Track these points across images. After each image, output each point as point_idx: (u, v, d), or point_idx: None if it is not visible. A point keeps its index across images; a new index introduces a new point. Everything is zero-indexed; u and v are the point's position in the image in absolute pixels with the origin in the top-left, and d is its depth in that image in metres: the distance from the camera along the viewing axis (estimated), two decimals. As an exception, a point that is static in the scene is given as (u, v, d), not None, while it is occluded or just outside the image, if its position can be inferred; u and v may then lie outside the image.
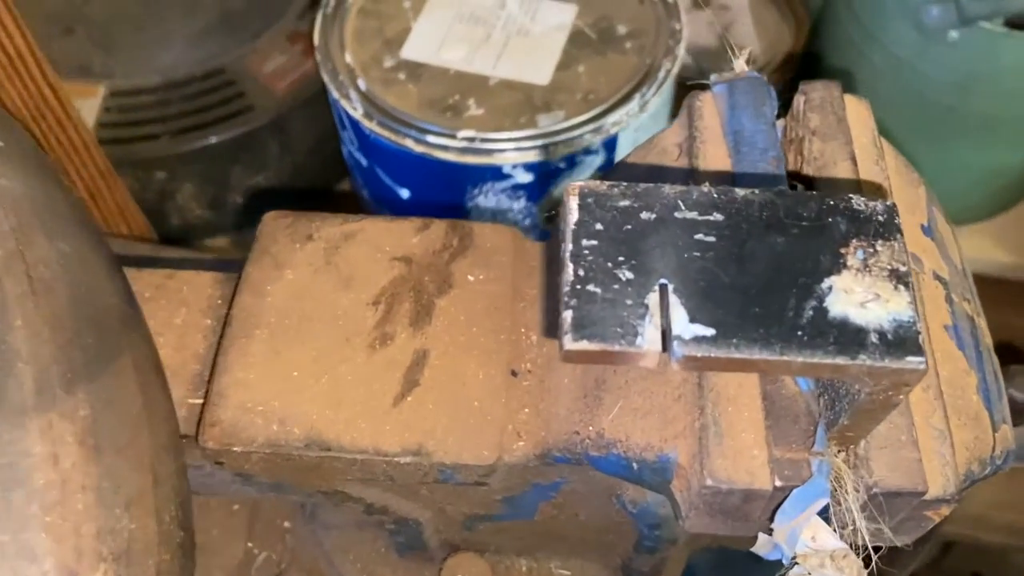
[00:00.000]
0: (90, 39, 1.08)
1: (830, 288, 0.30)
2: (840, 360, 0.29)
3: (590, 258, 0.30)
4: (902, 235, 0.31)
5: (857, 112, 0.43)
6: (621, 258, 0.30)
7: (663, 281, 0.30)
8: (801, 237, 0.31)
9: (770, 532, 0.35)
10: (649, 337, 0.29)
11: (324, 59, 0.77)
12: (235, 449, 0.43)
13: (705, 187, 0.32)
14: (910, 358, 0.29)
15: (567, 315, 0.29)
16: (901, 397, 0.31)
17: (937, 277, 0.40)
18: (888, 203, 0.31)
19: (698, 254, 0.30)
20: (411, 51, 0.78)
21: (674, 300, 0.30)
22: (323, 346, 0.45)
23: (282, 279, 0.47)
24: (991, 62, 0.78)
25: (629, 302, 0.30)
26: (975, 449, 0.37)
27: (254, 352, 0.45)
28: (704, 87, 0.44)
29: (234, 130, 1.01)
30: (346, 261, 0.48)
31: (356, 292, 0.47)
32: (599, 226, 0.31)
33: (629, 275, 0.30)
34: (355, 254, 0.48)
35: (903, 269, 0.30)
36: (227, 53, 1.06)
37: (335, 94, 0.75)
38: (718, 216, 0.31)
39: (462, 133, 0.71)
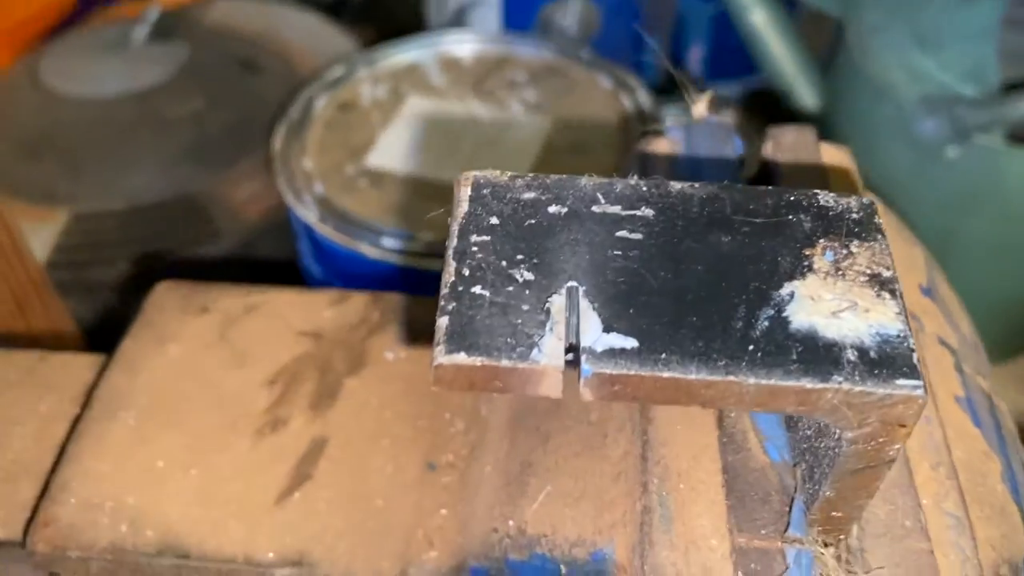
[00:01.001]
0: (58, 164, 1.05)
1: (791, 295, 0.23)
2: (807, 383, 0.21)
3: (480, 255, 0.23)
4: (884, 237, 0.24)
5: (837, 160, 0.37)
6: (520, 256, 0.23)
7: (572, 284, 0.23)
8: (753, 236, 0.24)
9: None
10: (549, 350, 0.22)
11: (282, 166, 0.72)
12: (71, 554, 0.34)
13: (632, 179, 0.25)
14: (902, 380, 0.21)
15: (442, 322, 0.22)
16: (896, 448, 0.22)
17: (943, 342, 0.33)
18: (866, 200, 0.24)
19: (619, 252, 0.23)
20: (376, 159, 0.74)
21: (585, 305, 0.22)
22: (200, 431, 0.37)
23: (164, 355, 0.40)
24: (994, 181, 0.73)
25: (526, 307, 0.22)
26: (1003, 549, 0.28)
27: (114, 438, 0.37)
28: (658, 133, 0.38)
29: (197, 256, 0.96)
30: (244, 336, 0.41)
31: (250, 370, 0.39)
32: (495, 220, 0.24)
33: (528, 275, 0.23)
34: (255, 328, 0.41)
35: (887, 274, 0.23)
36: (200, 179, 1.03)
37: (290, 200, 0.70)
38: (647, 211, 0.24)
39: (423, 235, 0.66)
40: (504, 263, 0.23)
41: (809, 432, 0.25)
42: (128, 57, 1.13)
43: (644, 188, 0.25)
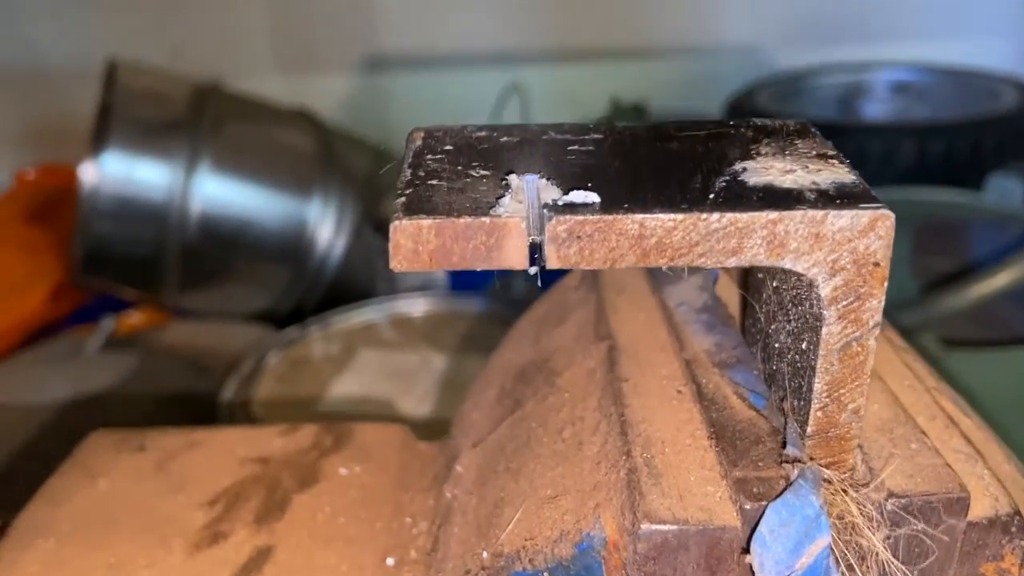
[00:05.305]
0: (-9, 469, 1.00)
1: (743, 168, 0.23)
2: (773, 214, 0.21)
3: (434, 166, 0.24)
4: (824, 138, 0.25)
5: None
6: (476, 163, 0.24)
7: (531, 175, 0.23)
8: (700, 141, 0.25)
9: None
10: (511, 208, 0.21)
11: (228, 415, 0.71)
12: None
13: (578, 123, 0.26)
14: (866, 205, 0.21)
15: (399, 202, 0.22)
16: (877, 304, 0.22)
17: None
18: (801, 120, 0.26)
19: (573, 156, 0.24)
20: (326, 406, 0.73)
21: (544, 184, 0.22)
22: (127, 550, 0.33)
23: (92, 487, 0.36)
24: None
25: (484, 188, 0.22)
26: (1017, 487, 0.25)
27: (26, 563, 0.33)
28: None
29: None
30: (184, 467, 0.38)
31: (188, 495, 0.36)
32: (449, 146, 0.25)
33: (485, 172, 0.23)
34: (197, 459, 0.38)
35: (831, 153, 0.24)
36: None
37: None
38: (596, 136, 0.25)
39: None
40: (460, 167, 0.23)
41: (786, 336, 0.24)
42: (79, 366, 1.13)
43: (590, 126, 0.26)
